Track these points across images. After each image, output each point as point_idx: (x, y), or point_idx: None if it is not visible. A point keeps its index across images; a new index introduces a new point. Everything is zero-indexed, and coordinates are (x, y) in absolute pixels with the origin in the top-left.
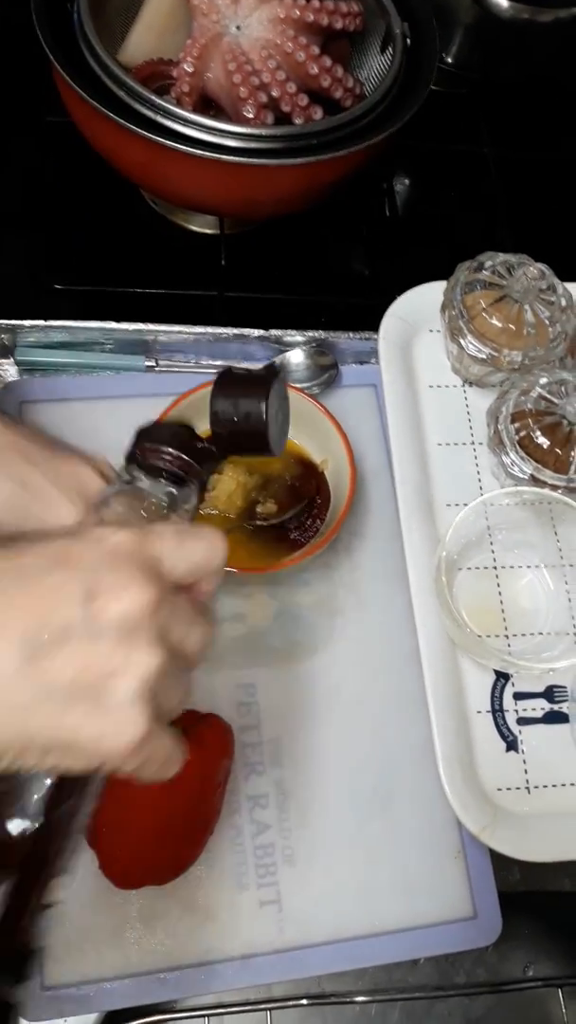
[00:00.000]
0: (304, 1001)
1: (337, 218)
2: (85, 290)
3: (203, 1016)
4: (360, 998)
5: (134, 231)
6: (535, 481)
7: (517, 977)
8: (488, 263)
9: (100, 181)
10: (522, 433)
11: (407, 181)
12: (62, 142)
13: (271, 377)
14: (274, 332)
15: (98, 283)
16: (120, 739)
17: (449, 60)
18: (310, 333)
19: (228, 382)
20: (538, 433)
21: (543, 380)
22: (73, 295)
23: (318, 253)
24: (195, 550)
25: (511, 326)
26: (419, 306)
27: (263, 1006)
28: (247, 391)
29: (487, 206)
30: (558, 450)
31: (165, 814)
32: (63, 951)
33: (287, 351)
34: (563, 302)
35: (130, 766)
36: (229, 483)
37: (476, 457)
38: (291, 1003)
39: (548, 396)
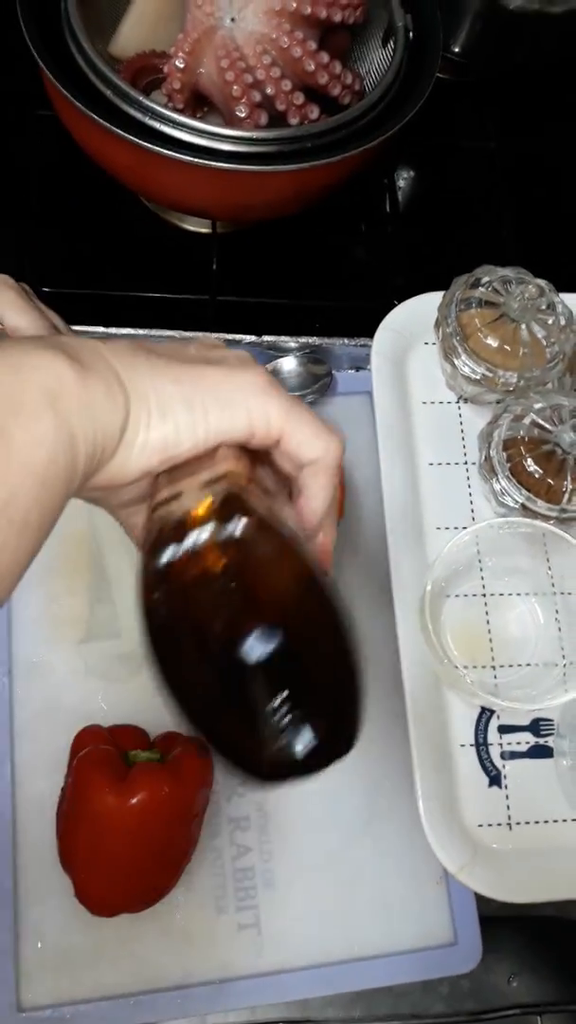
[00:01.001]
0: None
1: (335, 214)
2: (74, 293)
3: None
4: None
5: (126, 230)
6: (526, 511)
7: (501, 989)
8: (485, 279)
9: (91, 179)
10: (514, 460)
11: (409, 175)
12: (52, 137)
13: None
14: (267, 338)
15: (88, 286)
16: (257, 378)
17: (456, 50)
18: (304, 339)
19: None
20: (530, 462)
21: (537, 406)
22: (62, 299)
23: (314, 252)
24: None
25: (507, 347)
26: (415, 318)
27: None
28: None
29: (491, 202)
30: (550, 480)
31: (141, 843)
32: (38, 972)
33: (280, 357)
34: (562, 320)
35: (277, 421)
36: None
37: (469, 478)
38: None
39: (542, 423)
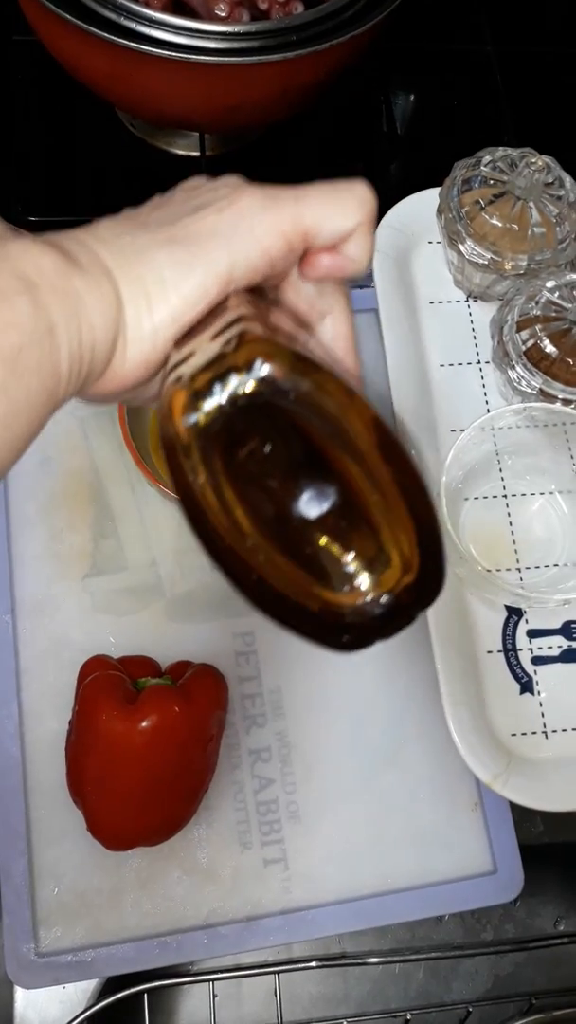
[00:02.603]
0: (313, 964)
1: (329, 135)
2: (61, 221)
3: (208, 981)
4: (373, 959)
5: (112, 156)
6: (545, 396)
7: (547, 932)
8: (487, 159)
9: (74, 103)
10: (529, 343)
11: (405, 91)
12: (30, 63)
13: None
14: None
15: (74, 213)
16: (254, 200)
17: None
18: None
19: None
20: (546, 342)
21: (550, 284)
22: (49, 227)
23: (309, 172)
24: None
25: (514, 226)
26: (417, 215)
27: (271, 969)
28: None
29: (491, 110)
30: (569, 359)
31: (153, 769)
32: (58, 916)
33: None
34: (572, 197)
35: (293, 226)
36: None
37: (482, 377)
38: (300, 966)
39: (557, 301)
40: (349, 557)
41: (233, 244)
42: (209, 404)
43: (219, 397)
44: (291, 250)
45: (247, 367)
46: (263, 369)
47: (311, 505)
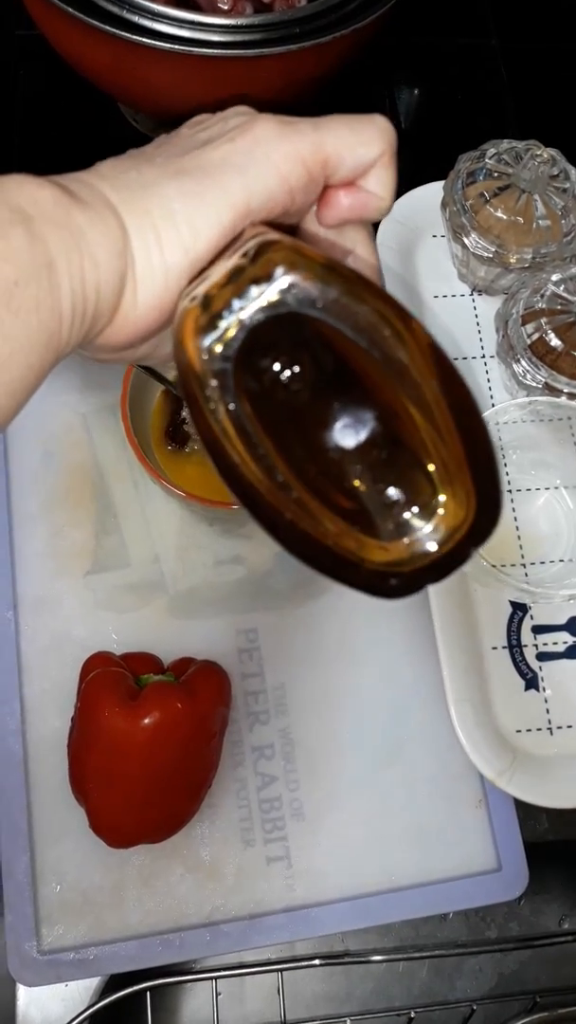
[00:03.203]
0: (317, 962)
1: None
2: None
3: (211, 979)
4: (377, 957)
5: (115, 152)
6: (550, 390)
7: (551, 930)
8: (492, 151)
9: (76, 100)
10: (534, 337)
11: (409, 85)
12: (33, 57)
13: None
14: None
15: None
16: (268, 125)
17: None
18: None
19: None
20: (552, 335)
21: (555, 277)
22: None
23: None
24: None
25: (518, 219)
26: (420, 208)
27: (274, 967)
28: None
29: (496, 105)
30: (574, 353)
31: (156, 765)
32: (60, 913)
33: None
34: None
35: (314, 153)
36: None
37: (487, 371)
38: (303, 964)
39: (562, 294)
40: (394, 493)
41: (248, 172)
42: (227, 322)
43: (238, 314)
44: (311, 179)
45: (268, 277)
46: (287, 277)
47: (348, 433)
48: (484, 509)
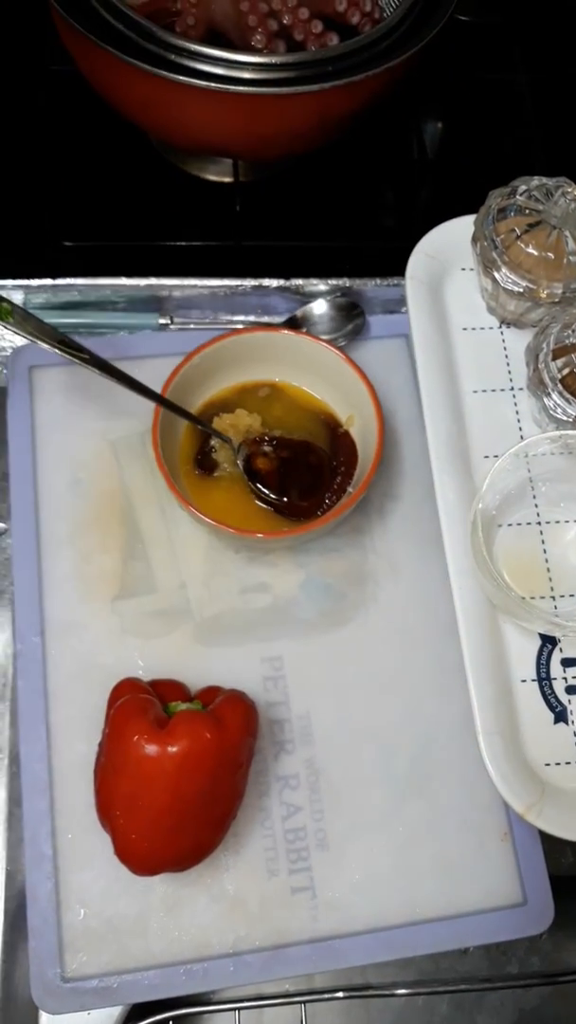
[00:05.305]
0: (340, 994)
1: (360, 162)
2: (95, 246)
3: (233, 1009)
4: (400, 991)
5: (145, 183)
6: None
7: (574, 966)
8: (523, 188)
9: (109, 132)
10: (565, 371)
11: (435, 118)
12: (68, 92)
13: None
14: (295, 281)
15: (108, 238)
16: None
17: None
18: (334, 281)
19: None
20: None
21: None
22: (83, 251)
23: (340, 198)
24: None
25: (549, 255)
26: (450, 242)
27: (297, 999)
28: None
29: (523, 138)
30: None
31: (182, 794)
32: (84, 941)
33: (310, 302)
34: None
35: None
36: (246, 418)
37: (516, 403)
38: (326, 996)
39: None
40: None
41: None
42: None
43: None
44: None
45: None
46: None
47: None
48: None
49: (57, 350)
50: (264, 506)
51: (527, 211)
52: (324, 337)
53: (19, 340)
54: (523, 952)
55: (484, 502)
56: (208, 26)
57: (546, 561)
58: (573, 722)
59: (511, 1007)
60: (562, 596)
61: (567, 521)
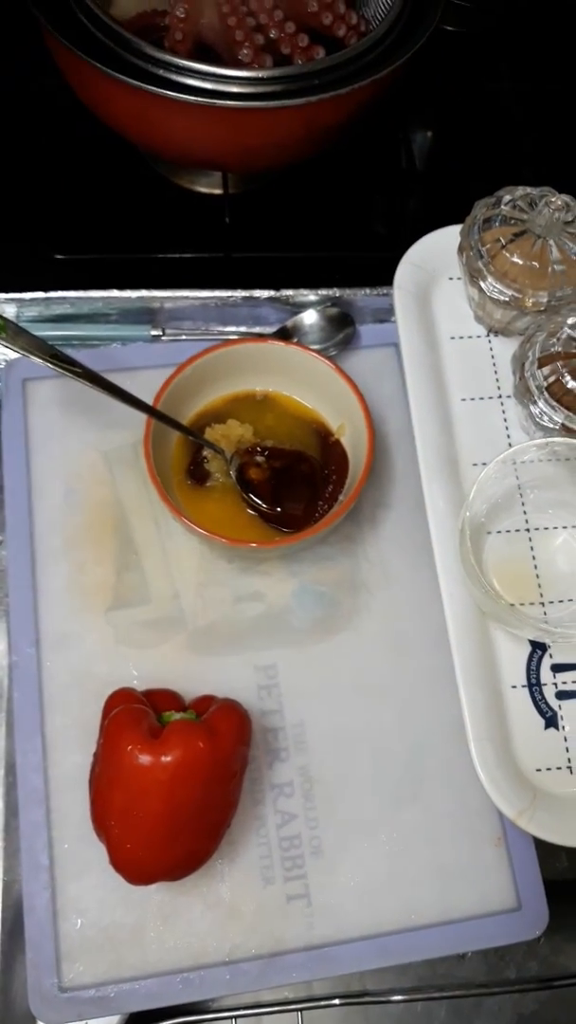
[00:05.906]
0: (336, 1001)
1: (349, 172)
2: (87, 259)
3: (230, 1017)
4: (397, 997)
5: (136, 196)
6: (567, 431)
7: (571, 971)
8: (507, 198)
9: (99, 146)
10: (551, 379)
11: (423, 129)
12: (58, 106)
13: None
14: (285, 292)
15: (100, 251)
16: None
17: None
18: (324, 291)
19: None
20: (568, 378)
21: (571, 320)
22: (75, 264)
23: (330, 209)
24: None
25: (534, 263)
26: (437, 252)
27: (294, 1006)
28: None
29: (510, 148)
30: None
31: (177, 803)
32: (81, 950)
33: (300, 312)
34: None
35: None
36: (238, 428)
37: (504, 411)
38: (323, 1003)
39: None
40: None
41: None
42: None
43: None
44: None
45: None
46: None
47: None
48: None
49: (49, 364)
50: (257, 516)
51: (512, 221)
52: (315, 347)
53: (12, 353)
54: (521, 957)
55: (472, 509)
56: (196, 41)
57: (535, 567)
58: (563, 727)
59: (509, 1012)
60: (551, 602)
61: (555, 528)
